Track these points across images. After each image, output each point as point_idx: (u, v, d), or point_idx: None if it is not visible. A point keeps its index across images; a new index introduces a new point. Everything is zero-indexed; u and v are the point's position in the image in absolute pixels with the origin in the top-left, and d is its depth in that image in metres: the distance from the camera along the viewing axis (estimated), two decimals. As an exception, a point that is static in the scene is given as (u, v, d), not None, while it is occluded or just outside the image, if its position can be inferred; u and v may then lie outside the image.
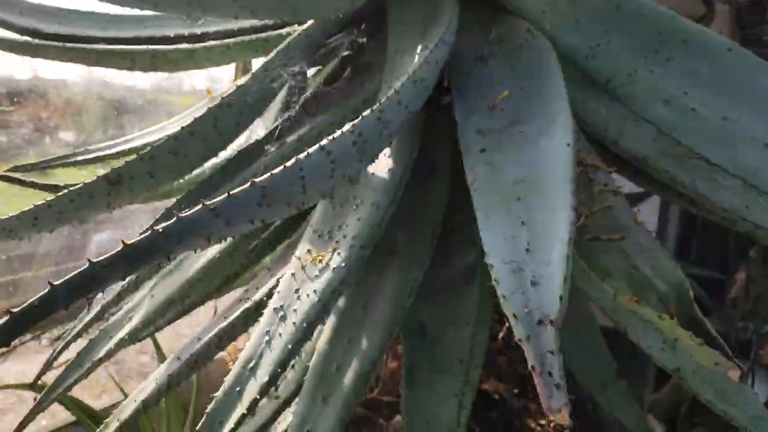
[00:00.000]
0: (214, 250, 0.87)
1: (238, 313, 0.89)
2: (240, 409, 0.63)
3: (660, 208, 1.44)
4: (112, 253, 0.39)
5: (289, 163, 0.48)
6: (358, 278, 0.82)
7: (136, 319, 0.86)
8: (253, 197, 0.46)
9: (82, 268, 0.38)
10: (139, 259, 0.40)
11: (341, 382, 0.72)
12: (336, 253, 0.73)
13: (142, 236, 0.41)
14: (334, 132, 0.53)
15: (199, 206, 0.44)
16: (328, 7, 0.77)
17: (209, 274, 0.86)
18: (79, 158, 1.08)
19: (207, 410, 0.64)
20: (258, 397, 0.63)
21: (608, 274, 0.57)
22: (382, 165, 0.79)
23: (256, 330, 0.70)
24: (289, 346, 0.66)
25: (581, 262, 0.59)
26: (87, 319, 0.94)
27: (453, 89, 0.74)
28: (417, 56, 0.71)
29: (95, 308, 0.94)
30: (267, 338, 0.69)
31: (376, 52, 0.94)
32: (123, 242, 0.40)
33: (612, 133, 0.84)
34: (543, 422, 1.60)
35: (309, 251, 0.76)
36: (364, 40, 0.88)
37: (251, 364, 0.67)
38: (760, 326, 1.21)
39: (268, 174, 0.47)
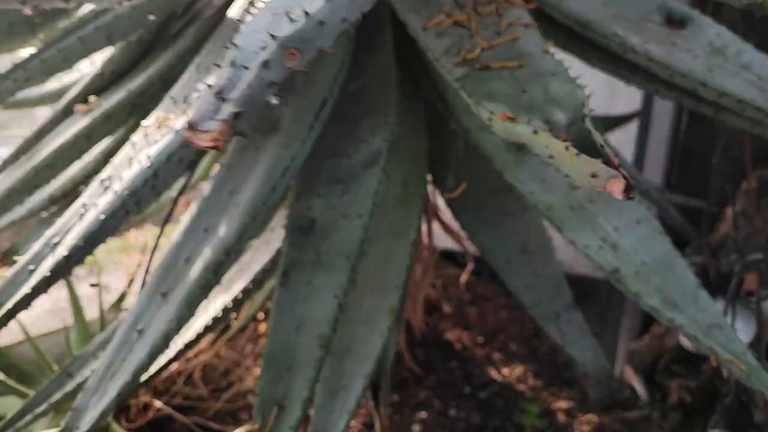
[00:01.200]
0: (68, 133, 0.72)
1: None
2: (24, 289, 0.49)
3: (638, 131, 1.28)
4: None
5: None
6: (229, 162, 0.67)
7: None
8: None
9: None
10: None
11: (187, 273, 0.58)
12: (185, 115, 0.58)
13: None
14: None
15: None
16: None
17: (62, 158, 0.71)
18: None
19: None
20: (49, 275, 0.49)
21: (491, 98, 0.42)
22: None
23: (73, 206, 0.56)
24: (103, 217, 0.52)
25: (461, 93, 0.44)
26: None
27: None
28: None
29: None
30: (82, 211, 0.54)
31: None
32: None
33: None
34: (506, 372, 1.46)
35: (158, 118, 0.62)
36: None
37: (55, 240, 0.53)
38: (747, 254, 1.05)
39: None
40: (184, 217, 0.64)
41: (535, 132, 0.35)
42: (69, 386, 0.73)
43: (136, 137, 0.60)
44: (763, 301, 1.05)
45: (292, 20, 0.27)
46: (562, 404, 1.30)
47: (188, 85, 0.64)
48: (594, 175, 0.31)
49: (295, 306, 0.62)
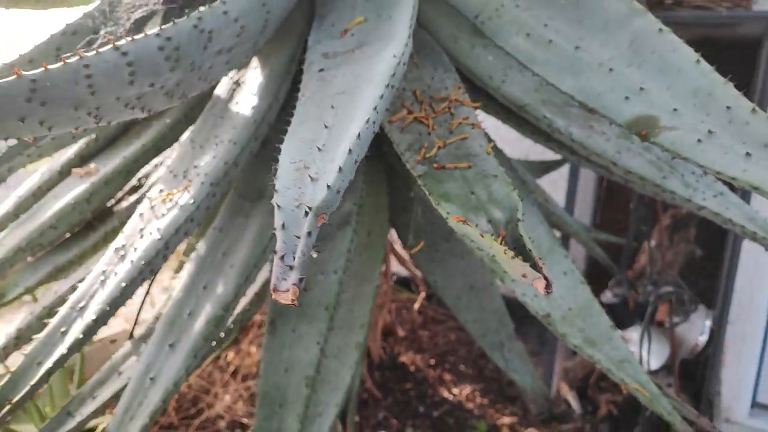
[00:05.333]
0: (69, 196, 0.81)
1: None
2: (60, 349, 0.57)
3: (569, 176, 1.44)
4: None
5: (72, 59, 0.43)
6: (222, 225, 0.78)
7: (-20, 270, 0.80)
8: (20, 91, 0.41)
9: None
10: None
11: (192, 327, 0.68)
12: (186, 191, 0.68)
13: None
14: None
15: (-56, 92, 0.38)
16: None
17: (63, 219, 0.80)
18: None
19: (26, 352, 0.59)
20: (81, 336, 0.58)
21: (446, 199, 0.54)
22: (246, 102, 0.75)
23: (93, 270, 0.65)
24: (123, 284, 0.61)
25: (423, 188, 0.56)
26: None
27: (315, 17, 0.70)
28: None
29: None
30: (102, 278, 0.64)
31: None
32: None
33: (496, 81, 0.82)
34: (456, 391, 1.59)
35: (161, 191, 0.71)
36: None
37: (81, 305, 0.62)
38: (659, 287, 1.22)
39: (42, 68, 0.42)
40: (183, 275, 0.74)
41: (482, 235, 0.47)
42: (70, 425, 0.81)
43: (143, 209, 0.70)
44: (675, 327, 1.22)
45: (313, 179, 0.39)
46: (507, 420, 1.44)
47: (185, 159, 0.74)
48: (524, 276, 0.44)
49: (283, 351, 0.73)
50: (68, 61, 0.43)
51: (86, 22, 0.69)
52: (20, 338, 0.78)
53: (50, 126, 0.45)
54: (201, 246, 0.76)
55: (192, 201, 0.66)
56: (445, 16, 0.83)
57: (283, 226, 0.33)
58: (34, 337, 0.61)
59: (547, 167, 1.54)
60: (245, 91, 0.77)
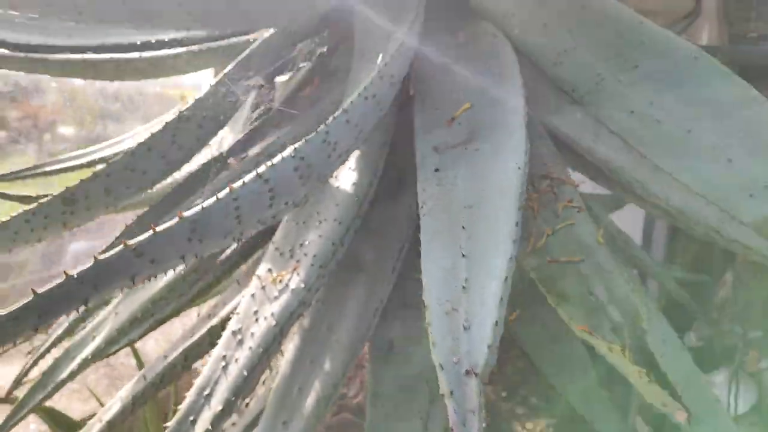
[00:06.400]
0: (180, 267, 0.85)
1: (203, 331, 0.87)
2: (192, 439, 0.61)
3: (646, 213, 1.41)
4: (20, 305, 0.37)
5: (222, 194, 0.46)
6: (323, 296, 0.80)
7: (99, 338, 0.85)
8: (182, 233, 0.44)
9: (-17, 320, 0.36)
10: (50, 310, 0.38)
11: (303, 405, 0.71)
12: (296, 273, 0.71)
13: (54, 284, 0.39)
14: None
15: (120, 247, 0.42)
16: (285, 16, 0.75)
17: (174, 291, 0.84)
18: (47, 169, 1.06)
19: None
20: (211, 428, 0.61)
21: (564, 299, 0.55)
22: (347, 179, 0.77)
23: (213, 353, 0.68)
24: (245, 373, 0.64)
25: (540, 287, 0.57)
26: (54, 336, 0.93)
27: (416, 95, 0.72)
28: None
29: (63, 324, 0.93)
30: (223, 363, 0.67)
31: (345, 57, 0.92)
32: (33, 291, 0.38)
33: (586, 141, 0.81)
34: (530, 426, 1.59)
35: (270, 270, 0.74)
36: (329, 47, 0.86)
37: (206, 391, 0.65)
38: (747, 331, 1.18)
39: (199, 207, 0.45)
40: (289, 347, 0.77)
41: (610, 348, 0.48)
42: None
43: (254, 289, 0.73)
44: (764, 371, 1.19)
45: (465, 327, 0.40)
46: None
47: (290, 237, 0.77)
48: (664, 405, 0.44)
49: (386, 422, 0.74)
50: (220, 196, 0.46)
51: (199, 113, 0.72)
52: (136, 404, 0.82)
53: (202, 256, 0.47)
54: (305, 318, 0.79)
55: (303, 285, 0.69)
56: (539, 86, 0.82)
57: (451, 393, 0.34)
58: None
59: (618, 201, 1.51)
60: (345, 167, 0.79)
